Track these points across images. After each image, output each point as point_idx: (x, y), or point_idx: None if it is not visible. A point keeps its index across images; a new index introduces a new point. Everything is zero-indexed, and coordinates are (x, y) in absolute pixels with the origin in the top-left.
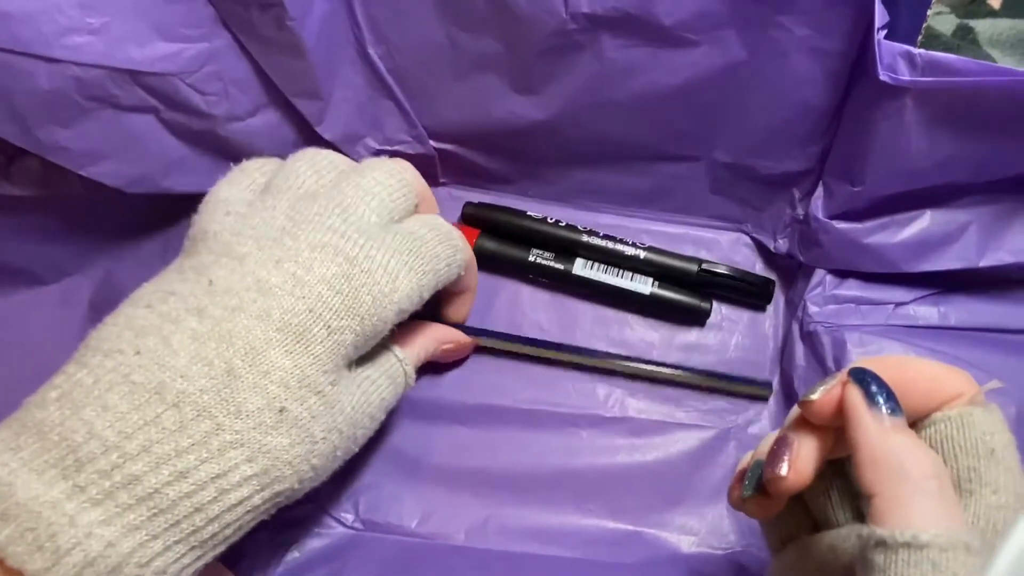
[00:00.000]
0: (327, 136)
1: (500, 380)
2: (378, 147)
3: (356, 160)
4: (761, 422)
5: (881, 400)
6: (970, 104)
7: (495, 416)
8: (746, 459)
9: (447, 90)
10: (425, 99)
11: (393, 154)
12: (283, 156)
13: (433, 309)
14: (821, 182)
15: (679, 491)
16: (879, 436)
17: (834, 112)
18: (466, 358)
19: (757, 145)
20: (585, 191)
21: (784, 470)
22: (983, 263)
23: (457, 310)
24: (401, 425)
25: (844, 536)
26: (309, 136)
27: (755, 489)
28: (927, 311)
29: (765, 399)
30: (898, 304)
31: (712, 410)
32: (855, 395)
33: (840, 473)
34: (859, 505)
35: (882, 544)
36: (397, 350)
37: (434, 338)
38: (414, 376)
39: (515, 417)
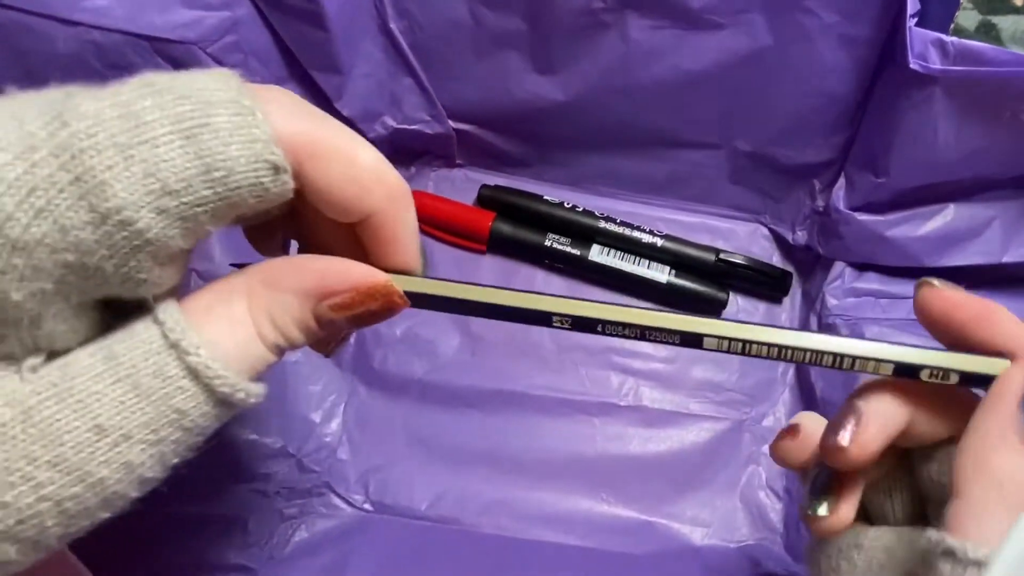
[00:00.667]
0: (345, 112)
1: (512, 366)
2: (396, 125)
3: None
4: (776, 415)
5: None
6: (1000, 95)
7: (507, 402)
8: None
9: (467, 68)
10: (445, 77)
11: (411, 133)
12: None
13: None
14: (843, 173)
15: (692, 482)
16: (1003, 436)
17: (859, 101)
18: (394, 313)
19: (779, 134)
20: (601, 176)
21: (846, 440)
22: (1006, 259)
23: (384, 256)
24: (413, 408)
25: (906, 540)
26: (328, 113)
27: (820, 493)
28: None
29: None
30: None
31: (726, 402)
32: (1016, 381)
33: (905, 467)
34: (925, 505)
35: (951, 555)
36: (176, 331)
37: (301, 289)
38: (230, 377)
39: (528, 403)
